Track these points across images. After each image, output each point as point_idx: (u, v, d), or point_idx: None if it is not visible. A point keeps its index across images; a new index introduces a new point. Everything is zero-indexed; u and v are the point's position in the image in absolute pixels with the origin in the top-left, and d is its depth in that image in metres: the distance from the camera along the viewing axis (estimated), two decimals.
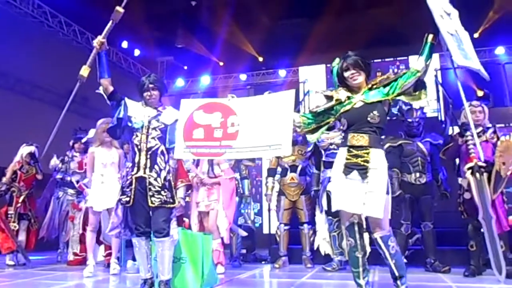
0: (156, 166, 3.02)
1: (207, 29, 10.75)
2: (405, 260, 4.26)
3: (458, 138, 4.05)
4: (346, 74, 2.68)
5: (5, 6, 7.73)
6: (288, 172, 5.01)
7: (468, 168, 3.81)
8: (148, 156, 3.03)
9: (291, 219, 5.04)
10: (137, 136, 3.07)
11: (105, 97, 3.12)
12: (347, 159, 2.58)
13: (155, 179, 2.99)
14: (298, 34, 10.03)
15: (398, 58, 10.25)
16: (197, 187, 4.62)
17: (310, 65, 10.71)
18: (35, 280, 4.08)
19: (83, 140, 5.50)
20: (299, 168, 4.98)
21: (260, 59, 11.69)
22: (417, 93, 2.63)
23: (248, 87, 11.51)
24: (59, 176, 5.73)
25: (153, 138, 3.06)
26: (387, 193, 2.54)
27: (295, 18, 10.28)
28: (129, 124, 3.11)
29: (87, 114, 7.95)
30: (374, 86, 2.66)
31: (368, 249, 2.65)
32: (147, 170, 3.00)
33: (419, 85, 2.61)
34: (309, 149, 4.90)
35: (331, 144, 4.57)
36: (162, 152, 3.08)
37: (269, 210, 6.77)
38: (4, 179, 5.40)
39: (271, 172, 5.19)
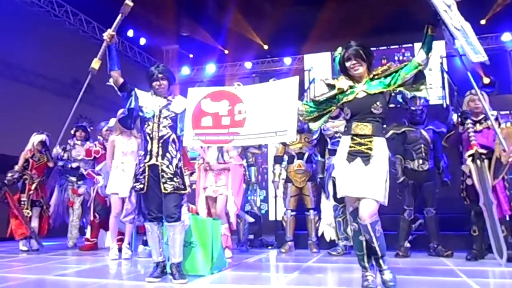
0: (168, 154, 3.11)
1: (212, 17, 10.75)
2: (408, 245, 4.40)
3: (459, 126, 4.11)
4: (347, 64, 2.73)
5: None
6: (295, 160, 5.10)
7: (469, 155, 3.89)
8: (160, 145, 3.12)
9: (297, 205, 5.15)
10: (149, 125, 3.16)
11: (116, 88, 3.21)
12: (350, 146, 2.66)
13: (167, 167, 3.09)
14: (303, 21, 10.00)
15: (404, 46, 10.22)
16: (205, 172, 4.71)
17: (315, 52, 10.70)
18: (50, 264, 4.22)
19: (105, 129, 5.59)
20: (305, 156, 5.08)
21: (265, 47, 11.70)
22: (416, 84, 2.68)
23: (253, 75, 11.54)
24: (60, 163, 5.86)
25: (164, 126, 3.15)
26: (386, 180, 2.61)
27: (300, 5, 10.24)
28: (141, 114, 3.20)
29: (93, 102, 8.03)
30: (376, 77, 2.72)
31: None
32: (159, 158, 3.10)
33: (419, 77, 2.67)
34: (314, 136, 4.98)
35: (336, 132, 4.65)
36: (173, 140, 3.17)
37: (275, 197, 6.88)
38: (16, 167, 5.51)
39: (278, 160, 5.30)
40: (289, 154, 5.18)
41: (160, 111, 3.18)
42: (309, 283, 3.03)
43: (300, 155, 5.08)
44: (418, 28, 2.76)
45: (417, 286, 2.75)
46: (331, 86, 2.82)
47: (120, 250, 4.62)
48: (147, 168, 3.11)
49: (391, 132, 4.45)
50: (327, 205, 4.93)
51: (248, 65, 11.56)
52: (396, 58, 10.23)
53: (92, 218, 5.40)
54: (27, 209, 5.42)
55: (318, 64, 10.62)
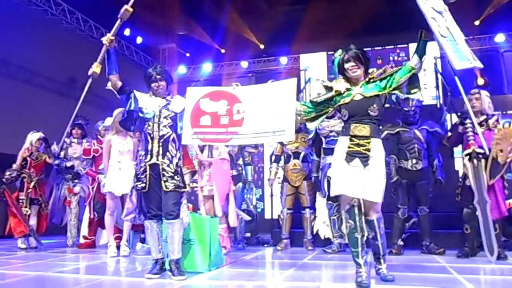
0: (168, 153, 3.18)
1: (209, 16, 10.80)
2: (402, 243, 4.48)
3: (459, 127, 4.19)
4: (346, 65, 2.84)
5: None
6: (291, 159, 5.17)
7: (466, 154, 3.97)
8: (160, 144, 3.18)
9: (294, 204, 5.22)
10: (149, 125, 3.22)
11: (115, 92, 3.26)
12: (349, 147, 2.75)
13: (168, 165, 3.15)
14: (299, 21, 10.07)
15: (399, 46, 10.30)
16: (201, 171, 4.76)
17: (310, 52, 10.77)
18: (48, 261, 4.26)
19: (100, 128, 5.62)
20: (301, 155, 5.15)
21: (262, 46, 11.75)
22: (411, 87, 2.79)
23: (249, 75, 11.60)
24: (56, 162, 5.86)
25: (164, 126, 3.22)
26: (384, 179, 2.72)
27: (296, 5, 10.30)
28: (141, 115, 3.25)
29: (91, 101, 8.03)
30: (372, 80, 2.82)
31: (366, 232, 2.83)
32: (160, 157, 3.16)
33: (413, 80, 2.78)
34: (310, 136, 5.05)
35: (331, 131, 4.73)
36: (173, 140, 3.24)
37: (271, 195, 6.94)
38: (14, 166, 5.54)
39: (277, 159, 5.37)
40: (286, 153, 5.25)
41: (160, 111, 3.24)
42: (305, 279, 3.10)
43: (296, 155, 5.15)
44: (413, 28, 2.83)
45: (409, 282, 2.82)
46: (328, 88, 2.91)
47: (118, 247, 4.67)
48: (148, 167, 3.17)
49: (385, 132, 4.53)
50: (322, 203, 5.01)
51: (244, 64, 11.61)
52: (391, 58, 10.32)
53: (91, 216, 5.42)
54: (25, 207, 5.45)
55: (314, 64, 10.69)
